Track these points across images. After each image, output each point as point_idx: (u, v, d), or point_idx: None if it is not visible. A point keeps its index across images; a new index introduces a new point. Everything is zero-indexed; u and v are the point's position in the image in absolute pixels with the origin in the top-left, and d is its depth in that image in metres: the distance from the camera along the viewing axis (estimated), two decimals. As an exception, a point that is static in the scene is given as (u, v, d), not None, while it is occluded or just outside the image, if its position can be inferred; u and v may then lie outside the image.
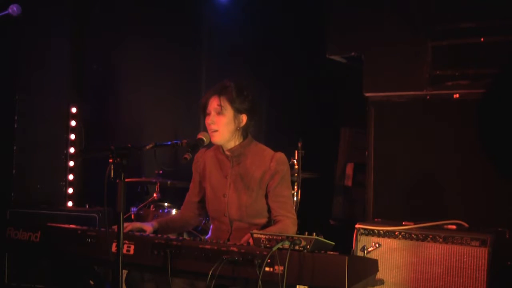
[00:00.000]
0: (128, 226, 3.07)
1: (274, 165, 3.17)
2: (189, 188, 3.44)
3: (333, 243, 2.61)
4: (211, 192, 3.28)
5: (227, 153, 3.24)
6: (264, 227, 3.20)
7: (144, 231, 3.12)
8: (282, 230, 3.06)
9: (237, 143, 3.22)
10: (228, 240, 3.19)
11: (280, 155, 3.22)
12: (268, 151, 3.24)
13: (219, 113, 3.14)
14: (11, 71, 5.14)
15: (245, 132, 3.25)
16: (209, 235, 3.36)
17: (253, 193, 3.18)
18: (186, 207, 3.45)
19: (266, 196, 3.21)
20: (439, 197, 4.38)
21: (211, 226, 3.38)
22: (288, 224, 3.14)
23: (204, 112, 3.20)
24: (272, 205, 3.20)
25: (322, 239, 2.56)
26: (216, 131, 3.14)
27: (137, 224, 3.15)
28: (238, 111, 3.17)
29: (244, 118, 3.20)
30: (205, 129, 3.19)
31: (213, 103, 3.15)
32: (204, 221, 4.72)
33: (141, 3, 5.82)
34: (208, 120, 3.15)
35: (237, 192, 3.19)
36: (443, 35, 4.41)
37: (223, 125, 3.14)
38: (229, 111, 3.15)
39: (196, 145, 3.01)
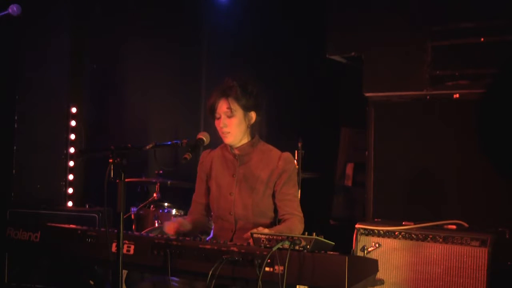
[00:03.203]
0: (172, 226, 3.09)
1: (282, 164, 3.20)
2: (195, 189, 3.41)
3: (333, 243, 2.61)
4: (217, 190, 3.27)
5: (235, 152, 3.25)
6: (268, 228, 3.18)
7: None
8: (290, 228, 3.08)
9: (246, 141, 3.24)
10: (231, 240, 3.18)
11: (288, 155, 3.25)
12: (275, 151, 3.27)
13: (230, 116, 3.15)
14: (11, 71, 5.14)
15: (253, 129, 3.26)
16: (211, 236, 3.35)
17: (259, 192, 3.19)
18: (194, 210, 3.40)
19: (273, 196, 3.22)
20: (439, 197, 4.37)
21: (213, 227, 3.37)
22: (295, 222, 3.15)
23: (213, 115, 3.20)
24: (279, 204, 3.21)
25: (322, 239, 2.56)
26: (228, 133, 3.16)
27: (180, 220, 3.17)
28: (246, 109, 3.19)
29: (253, 115, 3.23)
30: (206, 130, 3.20)
31: (223, 107, 3.16)
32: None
33: (141, 3, 5.82)
34: (220, 124, 3.16)
35: (244, 191, 3.20)
36: (443, 35, 4.41)
37: (235, 126, 3.16)
38: (239, 112, 3.16)
39: (196, 145, 3.01)
